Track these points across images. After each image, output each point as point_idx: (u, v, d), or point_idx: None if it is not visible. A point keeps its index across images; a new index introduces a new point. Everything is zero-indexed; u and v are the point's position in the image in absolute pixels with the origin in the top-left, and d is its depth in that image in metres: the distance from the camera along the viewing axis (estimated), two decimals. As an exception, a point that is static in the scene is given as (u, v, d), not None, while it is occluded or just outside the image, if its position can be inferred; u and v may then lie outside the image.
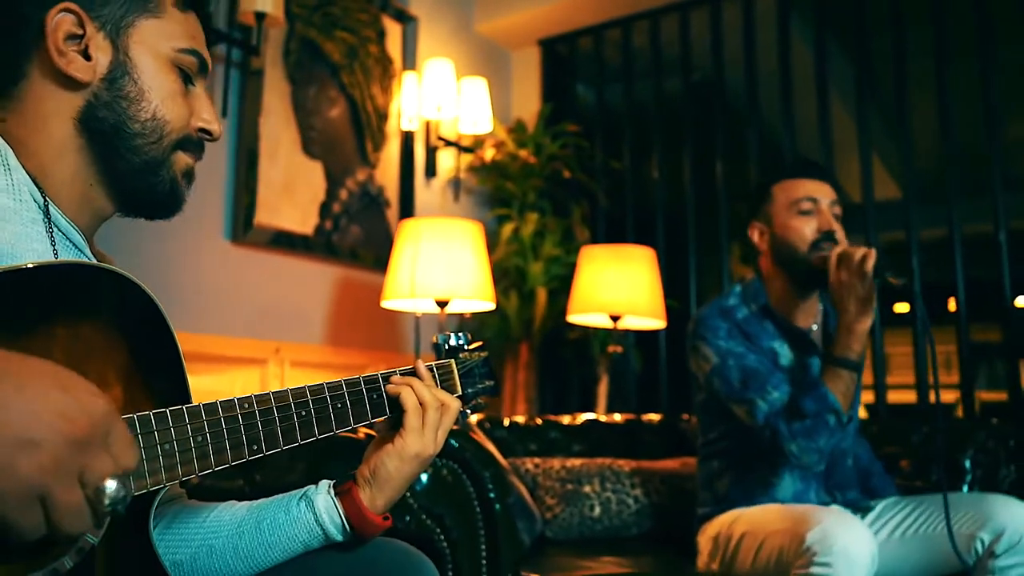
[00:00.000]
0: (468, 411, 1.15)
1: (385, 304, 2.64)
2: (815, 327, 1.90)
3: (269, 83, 2.79)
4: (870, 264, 1.67)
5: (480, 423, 2.26)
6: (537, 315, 3.31)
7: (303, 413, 0.87)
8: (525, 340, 3.37)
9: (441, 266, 2.48)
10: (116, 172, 0.92)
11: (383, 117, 3.25)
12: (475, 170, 3.59)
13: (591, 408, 3.35)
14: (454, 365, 1.11)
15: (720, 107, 3.47)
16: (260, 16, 2.60)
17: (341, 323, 2.98)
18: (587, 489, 2.06)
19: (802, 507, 1.65)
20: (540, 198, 3.56)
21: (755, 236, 1.91)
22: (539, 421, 2.37)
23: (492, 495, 1.54)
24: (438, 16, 3.61)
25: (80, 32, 0.87)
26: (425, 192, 3.45)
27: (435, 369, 1.07)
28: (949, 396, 5.01)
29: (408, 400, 0.97)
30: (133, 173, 0.92)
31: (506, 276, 3.41)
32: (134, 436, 0.71)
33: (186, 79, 0.95)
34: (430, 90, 3.29)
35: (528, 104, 3.89)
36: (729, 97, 3.58)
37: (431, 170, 3.46)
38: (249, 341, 2.68)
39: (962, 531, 1.66)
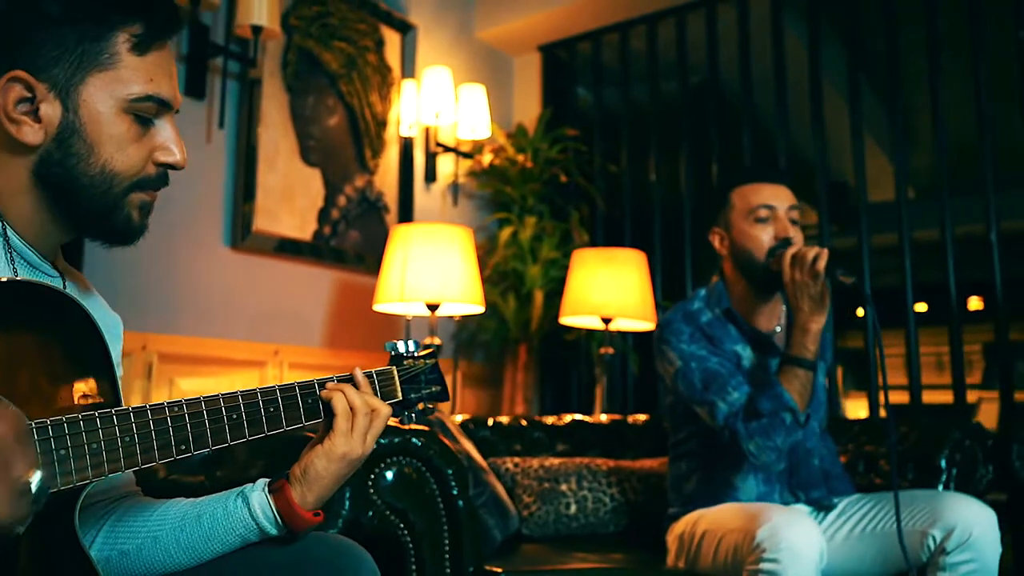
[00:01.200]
0: (412, 415, 1.21)
1: (377, 307, 2.72)
2: (778, 329, 1.94)
3: (267, 93, 2.87)
4: (822, 264, 1.71)
5: (464, 424, 2.32)
6: (534, 317, 3.37)
7: (234, 416, 0.94)
8: (523, 342, 3.43)
9: (430, 270, 2.55)
10: (71, 214, 0.98)
11: (382, 124, 3.33)
12: (475, 175, 3.65)
13: (591, 410, 3.40)
14: (395, 372, 1.17)
15: (716, 109, 3.50)
16: (256, 29, 2.68)
17: (340, 326, 3.06)
18: (564, 487, 2.12)
19: (758, 505, 1.69)
20: (539, 202, 3.61)
21: (716, 242, 1.94)
22: (524, 422, 2.43)
23: (455, 491, 1.60)
24: (439, 24, 3.68)
25: (30, 95, 0.92)
26: (425, 197, 3.52)
27: (375, 376, 1.14)
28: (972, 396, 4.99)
29: (338, 405, 1.04)
30: (87, 215, 0.98)
31: (504, 279, 3.47)
32: (62, 437, 0.79)
33: (144, 122, 0.97)
34: (428, 97, 3.36)
35: (530, 109, 3.95)
36: (726, 99, 3.61)
37: (431, 176, 3.53)
38: (248, 344, 2.77)
39: (915, 528, 1.69)
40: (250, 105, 2.81)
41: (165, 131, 1.00)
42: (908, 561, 1.65)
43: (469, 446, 2.03)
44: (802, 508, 1.86)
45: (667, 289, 3.54)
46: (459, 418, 2.35)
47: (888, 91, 3.13)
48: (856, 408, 8.13)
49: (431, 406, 1.27)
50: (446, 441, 1.65)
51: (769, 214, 1.84)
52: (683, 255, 3.53)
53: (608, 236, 3.72)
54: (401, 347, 1.25)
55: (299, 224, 2.96)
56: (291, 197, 2.93)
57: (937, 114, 2.98)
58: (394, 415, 1.19)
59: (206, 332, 2.66)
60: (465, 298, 2.62)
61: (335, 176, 3.11)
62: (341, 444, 1.04)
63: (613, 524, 2.16)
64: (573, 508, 2.10)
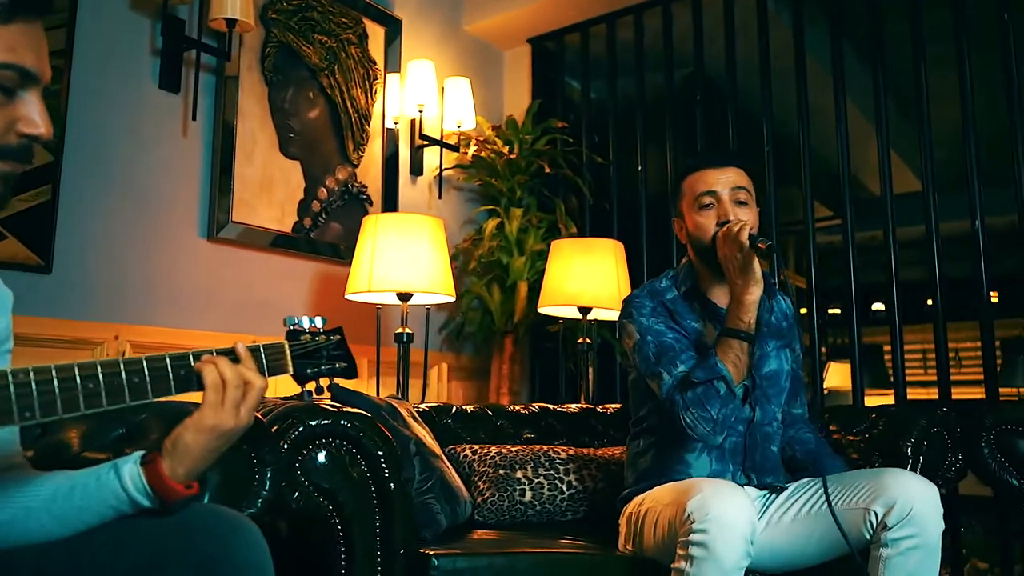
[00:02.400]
0: (311, 391, 1.22)
1: (348, 296, 2.73)
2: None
3: (245, 86, 2.90)
4: (744, 234, 1.72)
5: (426, 411, 2.32)
6: (518, 308, 3.36)
7: (90, 385, 0.94)
8: (509, 334, 3.42)
9: (399, 260, 2.56)
10: None
11: (365, 117, 3.35)
12: (462, 167, 3.65)
13: (578, 399, 3.38)
14: (287, 346, 1.17)
15: (703, 100, 3.47)
16: (231, 22, 2.70)
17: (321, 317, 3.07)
18: (519, 474, 2.11)
19: (692, 480, 1.68)
20: (527, 194, 3.61)
21: (676, 230, 1.98)
22: (489, 411, 2.42)
23: (387, 474, 1.60)
24: (425, 18, 3.69)
25: None
26: (411, 190, 3.53)
27: (262, 349, 1.14)
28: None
29: (208, 377, 1.05)
30: None
31: (490, 271, 3.47)
32: None
33: (5, 91, 0.96)
34: (412, 90, 3.37)
35: (521, 102, 3.94)
36: (713, 90, 3.58)
37: (417, 168, 3.54)
38: (225, 335, 2.79)
39: (857, 505, 1.67)
40: (226, 98, 2.83)
41: (30, 103, 0.99)
42: (848, 543, 1.63)
43: (422, 432, 2.03)
44: (750, 490, 1.84)
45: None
46: (424, 406, 2.35)
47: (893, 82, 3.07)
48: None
49: (335, 381, 1.28)
50: (381, 426, 1.65)
51: (712, 200, 1.85)
52: (670, 246, 3.50)
53: (595, 227, 3.70)
54: (306, 323, 1.26)
55: (278, 216, 2.98)
56: (270, 189, 2.95)
57: (966, 105, 2.89)
58: (300, 385, 1.20)
59: (181, 323, 2.69)
60: (434, 288, 2.62)
61: (316, 168, 3.13)
62: (210, 416, 1.04)
63: (571, 512, 2.15)
64: (528, 495, 2.09)
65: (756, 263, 1.73)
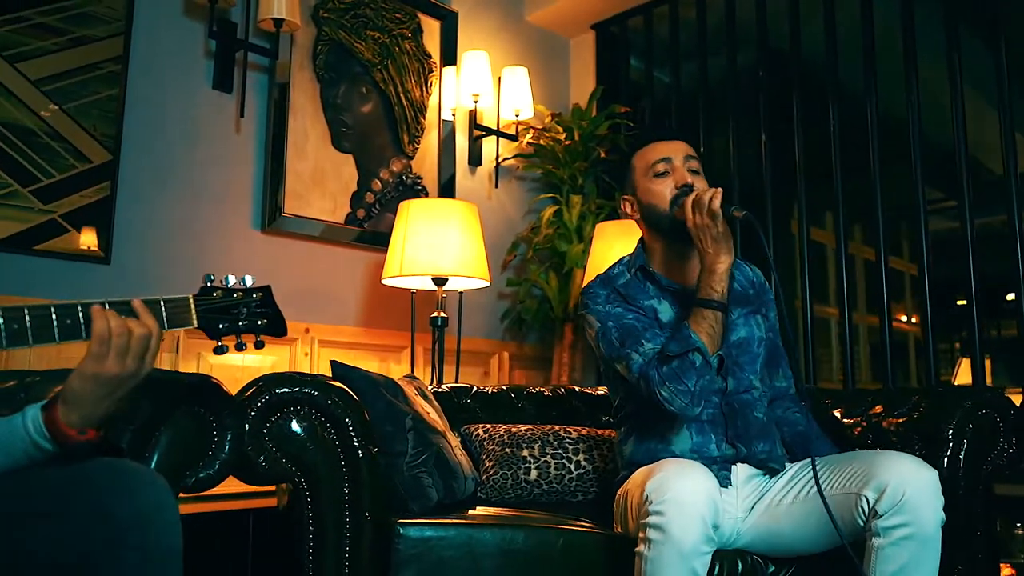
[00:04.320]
0: (226, 345, 1.26)
1: (384, 281, 2.78)
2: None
3: (297, 83, 3.02)
4: (716, 202, 1.65)
5: (445, 393, 2.33)
6: (573, 295, 3.33)
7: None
8: (568, 321, 3.39)
9: (428, 244, 2.59)
10: None
11: (420, 110, 3.41)
12: (523, 156, 3.66)
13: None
14: (192, 300, 1.22)
15: (766, 82, 3.33)
16: (278, 22, 2.83)
17: (374, 305, 3.16)
18: (524, 453, 2.08)
19: (661, 461, 1.61)
20: (588, 181, 3.57)
21: (627, 209, 1.91)
22: (512, 394, 2.41)
23: (356, 442, 1.63)
24: (484, 9, 3.72)
25: None
26: (469, 180, 3.57)
27: (162, 302, 1.19)
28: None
29: (95, 327, 1.10)
30: None
31: (548, 259, 3.46)
32: None
33: None
34: (467, 81, 3.41)
35: (587, 89, 3.90)
36: (785, 69, 3.42)
37: (475, 159, 3.57)
38: (278, 321, 2.91)
39: (850, 490, 1.56)
40: (277, 96, 2.96)
41: None
42: (839, 532, 1.52)
43: (427, 409, 2.05)
44: (745, 469, 1.76)
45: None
46: (445, 387, 2.37)
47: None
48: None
49: (261, 338, 1.32)
50: (354, 395, 1.68)
51: (667, 167, 1.80)
52: (735, 230, 3.37)
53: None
54: (232, 280, 1.31)
55: (331, 208, 3.08)
56: (322, 182, 3.06)
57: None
58: (217, 340, 1.25)
59: (234, 310, 2.82)
60: (466, 271, 2.63)
61: (369, 161, 3.22)
62: (90, 365, 1.10)
63: (582, 492, 2.11)
64: (534, 474, 2.07)
65: (728, 232, 1.67)
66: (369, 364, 3.05)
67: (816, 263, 3.57)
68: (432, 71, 3.47)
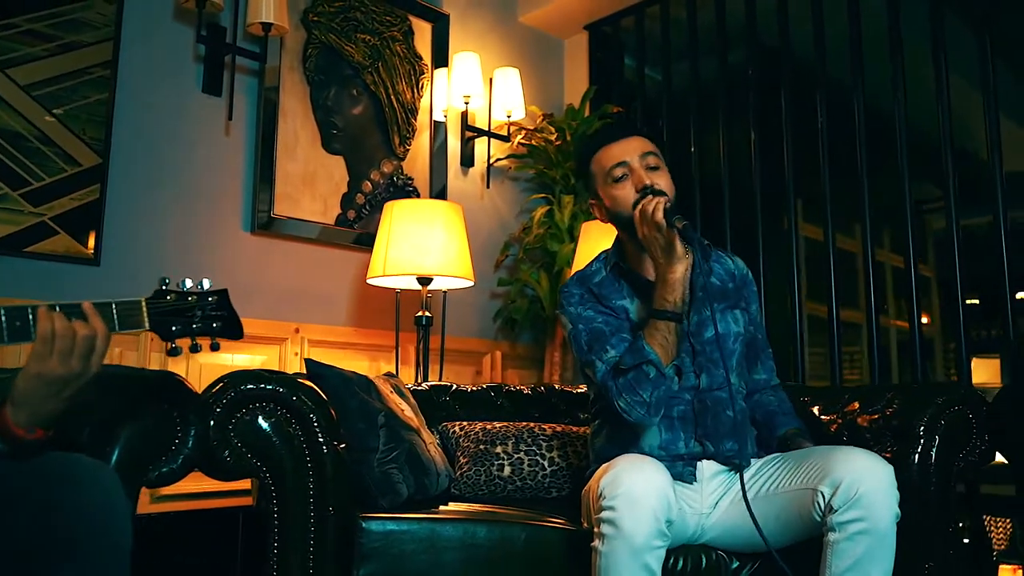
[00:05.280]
0: (179, 347, 1.29)
1: (369, 281, 2.82)
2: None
3: (287, 87, 3.06)
4: (659, 213, 1.65)
5: (424, 391, 2.36)
6: (563, 295, 3.34)
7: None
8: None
9: (411, 244, 2.62)
10: None
11: (411, 111, 3.44)
12: (515, 156, 3.68)
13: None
14: (144, 303, 1.25)
15: (755, 80, 3.34)
16: (267, 26, 2.87)
17: (364, 305, 3.19)
18: (498, 449, 2.11)
19: (619, 456, 1.62)
20: (579, 180, 3.58)
21: (596, 213, 1.91)
22: (492, 392, 2.43)
23: (320, 437, 1.65)
24: (476, 11, 3.75)
25: None
26: (461, 181, 3.59)
27: (113, 305, 1.22)
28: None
29: (39, 327, 1.13)
30: None
31: (539, 258, 3.48)
32: None
33: None
34: (458, 83, 3.43)
35: (581, 90, 3.91)
36: (771, 69, 3.42)
37: (467, 160, 3.60)
38: (268, 323, 2.95)
39: (807, 485, 1.58)
40: (266, 98, 3.00)
41: None
42: (762, 535, 1.57)
43: (402, 406, 2.07)
44: (711, 465, 1.77)
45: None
46: (425, 385, 2.40)
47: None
48: None
49: (216, 341, 1.34)
50: (321, 392, 1.71)
51: (624, 170, 1.78)
52: (724, 229, 3.38)
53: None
54: (189, 284, 1.34)
55: (321, 209, 3.12)
56: (312, 183, 3.10)
57: None
58: (170, 342, 1.28)
59: (224, 310, 2.86)
60: (448, 271, 2.66)
61: (360, 162, 3.25)
62: (34, 365, 1.13)
63: (556, 489, 2.12)
64: (507, 470, 2.09)
65: (677, 240, 1.66)
66: (360, 363, 3.09)
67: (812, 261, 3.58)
68: (423, 73, 3.50)
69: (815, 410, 2.29)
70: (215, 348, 1.35)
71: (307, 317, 3.05)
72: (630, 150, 1.80)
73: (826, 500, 1.52)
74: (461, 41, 3.64)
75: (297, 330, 3.01)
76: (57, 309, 1.16)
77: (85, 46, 2.65)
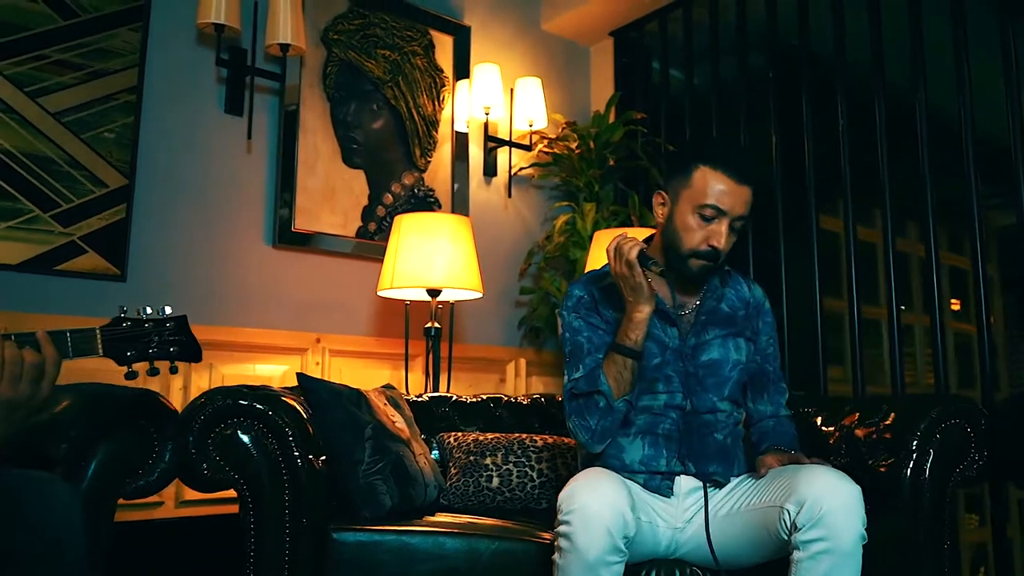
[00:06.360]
0: (136, 371, 1.36)
1: (380, 293, 2.88)
2: (695, 303, 1.86)
3: (307, 104, 3.16)
4: (633, 254, 1.66)
5: (424, 403, 2.41)
6: (583, 303, 3.35)
7: None
8: (581, 328, 3.42)
9: (418, 256, 2.67)
10: None
11: (433, 124, 3.50)
12: (539, 165, 3.70)
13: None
14: (98, 331, 1.33)
15: (775, 81, 3.29)
16: (285, 47, 2.97)
17: (384, 316, 3.26)
18: (487, 461, 2.14)
19: (584, 471, 1.64)
20: (604, 187, 3.59)
21: (657, 204, 1.85)
22: (491, 403, 2.46)
23: (295, 452, 1.72)
24: (499, 21, 3.78)
25: None
26: (484, 191, 3.64)
27: (68, 334, 1.30)
28: None
29: None
30: None
31: (561, 266, 3.50)
32: None
33: None
34: (479, 93, 3.48)
35: (607, 96, 3.92)
36: (790, 71, 3.36)
37: (490, 170, 3.64)
38: (290, 333, 3.05)
39: (775, 503, 1.58)
40: (287, 116, 3.10)
41: None
42: (713, 553, 1.62)
43: (394, 418, 2.12)
44: (687, 480, 1.77)
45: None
46: (426, 396, 2.45)
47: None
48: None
49: (176, 364, 1.42)
50: (295, 405, 1.77)
51: (715, 215, 1.73)
52: (746, 234, 3.34)
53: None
54: (149, 311, 1.41)
55: (341, 222, 3.20)
56: (332, 197, 3.19)
57: None
58: (126, 366, 1.35)
59: (246, 322, 2.97)
60: (455, 283, 2.70)
61: (381, 176, 3.33)
62: None
63: (545, 500, 2.14)
64: (496, 481, 2.12)
65: (645, 282, 1.68)
66: (380, 372, 3.17)
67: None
68: (445, 85, 3.56)
69: (818, 421, 2.26)
70: (174, 371, 1.43)
71: (328, 328, 3.14)
72: (735, 204, 1.73)
73: (791, 518, 1.51)
74: (483, 52, 3.68)
75: (318, 340, 3.10)
76: (12, 338, 1.24)
77: (111, 73, 2.78)
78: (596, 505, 1.47)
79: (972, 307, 2.76)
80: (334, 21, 3.28)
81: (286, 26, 2.94)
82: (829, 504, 1.48)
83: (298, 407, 1.79)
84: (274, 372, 2.99)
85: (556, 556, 1.52)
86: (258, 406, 1.71)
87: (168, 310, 1.43)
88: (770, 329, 1.94)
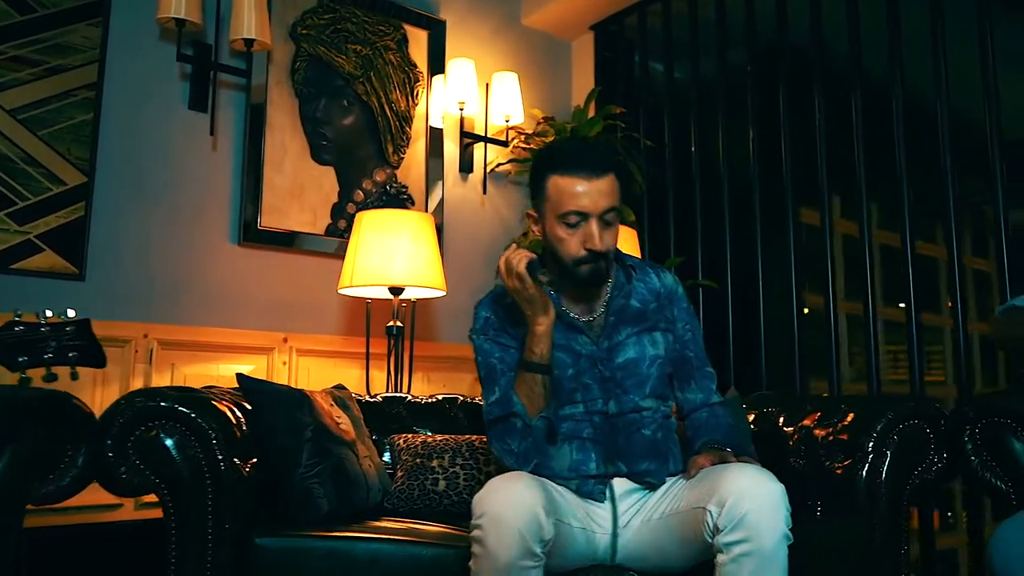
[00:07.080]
0: (30, 376, 1.32)
1: (340, 291, 2.83)
2: (603, 305, 1.79)
3: (274, 100, 3.11)
4: (521, 266, 1.61)
5: (377, 403, 2.35)
6: (557, 301, 3.29)
7: None
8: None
9: (378, 254, 2.62)
10: None
11: (406, 120, 3.44)
12: (516, 161, 3.64)
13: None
14: None
15: (755, 77, 3.21)
16: (249, 42, 2.92)
17: (353, 314, 3.21)
18: (434, 463, 2.08)
19: (504, 475, 1.58)
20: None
21: (531, 224, 1.80)
22: (447, 404, 2.40)
23: (219, 455, 1.67)
24: (476, 16, 3.72)
25: None
26: (460, 187, 3.58)
27: None
28: None
29: None
30: None
31: (536, 264, 3.43)
32: None
33: None
34: (453, 89, 3.42)
35: (588, 90, 3.85)
36: (770, 68, 3.28)
37: (466, 166, 3.58)
38: (256, 333, 3.00)
39: (699, 504, 1.50)
40: (253, 113, 3.05)
41: None
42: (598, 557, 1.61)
43: (340, 420, 2.07)
44: (624, 484, 1.70)
45: (707, 264, 3.30)
46: (379, 396, 2.39)
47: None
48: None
49: (76, 369, 1.37)
50: (223, 408, 1.72)
51: (580, 219, 1.66)
52: (724, 229, 3.27)
53: (654, 213, 3.53)
54: (49, 314, 1.36)
55: (310, 220, 3.15)
56: (300, 195, 3.14)
57: None
58: (19, 372, 1.31)
59: (211, 322, 2.92)
60: (416, 280, 2.65)
61: (351, 172, 3.28)
62: None
63: (495, 503, 2.08)
64: (442, 484, 2.06)
65: (538, 293, 1.62)
66: (349, 371, 3.11)
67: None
68: (419, 81, 3.50)
69: (779, 421, 2.19)
70: (74, 377, 1.37)
71: (296, 327, 3.09)
72: (596, 200, 1.65)
73: (713, 520, 1.45)
74: (461, 47, 3.62)
75: (286, 339, 3.05)
76: None
77: (70, 69, 2.75)
78: (507, 510, 1.41)
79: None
80: (303, 16, 3.23)
81: (250, 21, 2.90)
82: (749, 504, 1.41)
83: (226, 410, 1.74)
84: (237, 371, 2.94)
85: (471, 562, 1.46)
86: (180, 408, 1.66)
87: (71, 313, 1.38)
88: (685, 315, 1.85)
